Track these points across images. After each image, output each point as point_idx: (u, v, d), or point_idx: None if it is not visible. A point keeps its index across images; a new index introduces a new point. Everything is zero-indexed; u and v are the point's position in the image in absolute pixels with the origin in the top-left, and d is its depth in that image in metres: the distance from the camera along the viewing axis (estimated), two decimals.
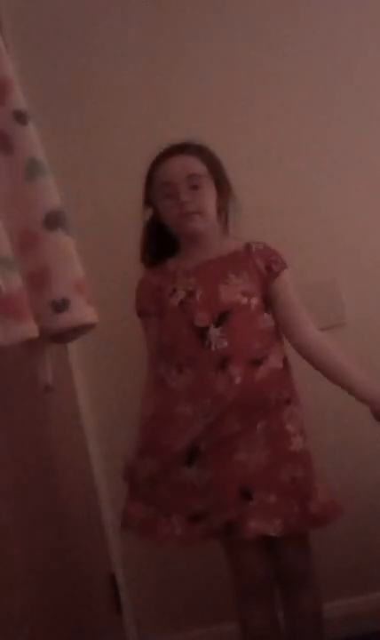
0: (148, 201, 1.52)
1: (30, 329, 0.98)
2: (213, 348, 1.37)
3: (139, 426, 1.48)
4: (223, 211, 1.53)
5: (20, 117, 1.14)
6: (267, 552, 1.41)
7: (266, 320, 1.44)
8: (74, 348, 1.74)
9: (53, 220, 1.14)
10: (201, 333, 1.39)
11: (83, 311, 1.16)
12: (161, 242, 1.54)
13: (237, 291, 1.42)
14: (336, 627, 1.62)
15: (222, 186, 1.49)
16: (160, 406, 1.44)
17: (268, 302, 1.46)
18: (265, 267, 1.46)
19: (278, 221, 1.70)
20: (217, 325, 1.39)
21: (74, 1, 1.80)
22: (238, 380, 1.36)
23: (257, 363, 1.38)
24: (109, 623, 1.63)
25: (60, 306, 1.13)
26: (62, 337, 1.20)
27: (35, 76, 1.72)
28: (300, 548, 1.41)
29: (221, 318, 1.39)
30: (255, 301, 1.43)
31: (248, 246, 1.48)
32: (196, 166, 1.45)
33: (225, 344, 1.37)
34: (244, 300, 1.42)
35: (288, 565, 1.43)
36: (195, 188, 1.44)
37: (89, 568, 1.54)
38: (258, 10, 1.79)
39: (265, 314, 1.44)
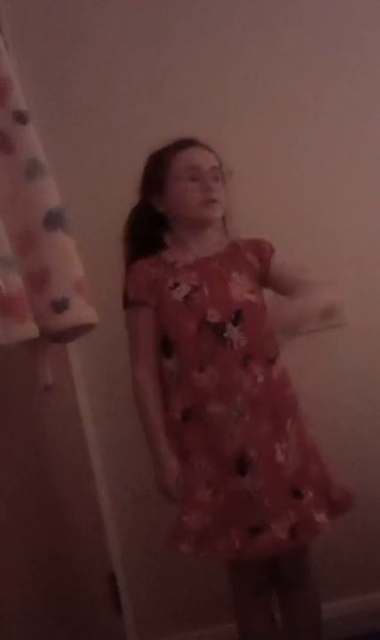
0: (150, 189, 1.49)
1: (30, 329, 0.98)
2: (235, 347, 1.36)
3: (155, 435, 1.40)
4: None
5: (20, 117, 1.14)
6: (264, 560, 1.40)
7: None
8: (74, 348, 1.74)
9: (53, 220, 1.14)
10: (217, 330, 1.37)
11: (83, 311, 1.16)
12: (152, 232, 1.51)
13: (244, 289, 1.42)
14: (336, 627, 1.62)
15: (226, 186, 1.49)
16: (187, 408, 1.38)
17: (268, 284, 1.48)
18: (257, 259, 1.47)
19: (278, 222, 1.70)
20: (234, 323, 1.38)
21: (74, 1, 1.80)
22: (261, 379, 1.36)
23: (271, 361, 1.40)
24: (109, 623, 1.63)
25: (60, 306, 1.13)
26: (62, 337, 1.20)
27: (35, 76, 1.72)
28: (299, 549, 1.39)
29: (237, 316, 1.38)
30: (260, 300, 1.44)
31: (234, 244, 1.49)
32: (216, 160, 1.46)
33: (245, 342, 1.37)
34: (253, 298, 1.42)
35: (287, 567, 1.42)
36: (216, 180, 1.44)
37: (89, 568, 1.54)
38: (259, 9, 1.80)
39: (266, 312, 1.44)
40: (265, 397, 1.36)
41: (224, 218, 1.54)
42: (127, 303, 1.47)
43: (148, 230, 1.51)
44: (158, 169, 1.47)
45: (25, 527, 1.17)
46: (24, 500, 1.19)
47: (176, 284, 1.42)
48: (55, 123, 1.73)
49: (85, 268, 1.18)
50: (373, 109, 1.80)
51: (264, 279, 1.48)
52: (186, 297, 1.40)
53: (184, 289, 1.41)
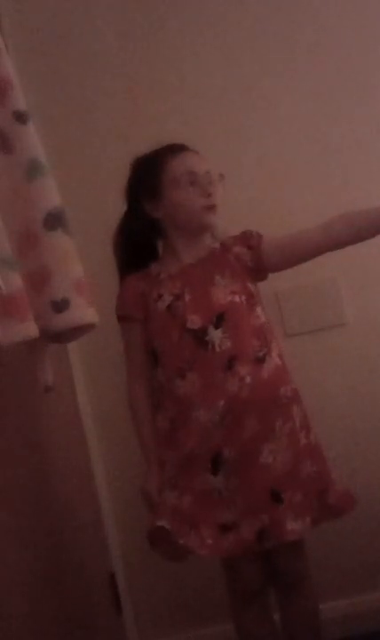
0: (143, 194, 1.45)
1: (30, 329, 0.98)
2: (217, 349, 1.35)
3: (145, 444, 1.43)
4: None
5: (20, 117, 1.14)
6: (261, 558, 1.40)
7: (259, 316, 1.42)
8: (74, 347, 1.74)
9: (53, 220, 1.14)
10: (198, 335, 1.37)
11: (83, 311, 1.16)
12: (145, 240, 1.50)
13: (227, 291, 1.40)
14: (336, 627, 1.62)
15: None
16: (173, 416, 1.39)
17: (271, 267, 1.44)
18: (246, 249, 1.44)
19: (278, 222, 1.70)
20: (216, 327, 1.37)
21: (74, 1, 1.80)
22: (248, 379, 1.34)
23: (260, 360, 1.38)
24: (109, 623, 1.63)
25: (60, 306, 1.13)
26: (62, 337, 1.20)
27: (35, 76, 1.72)
28: (295, 550, 1.39)
29: (219, 319, 1.37)
30: (245, 299, 1.41)
31: (222, 244, 1.47)
32: (207, 164, 1.44)
33: (229, 344, 1.36)
34: (237, 299, 1.40)
35: (284, 569, 1.42)
36: (212, 184, 1.42)
37: (89, 568, 1.54)
38: (263, 8, 1.80)
39: (257, 309, 1.43)
40: (254, 397, 1.35)
41: None
42: (118, 319, 1.48)
43: (141, 238, 1.49)
44: (152, 174, 1.44)
45: (25, 527, 1.17)
46: (24, 500, 1.19)
47: (160, 295, 1.42)
48: (55, 123, 1.73)
49: (85, 268, 1.18)
50: (374, 109, 1.80)
51: (259, 268, 1.44)
52: (169, 306, 1.40)
53: (166, 299, 1.41)
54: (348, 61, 1.80)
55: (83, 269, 1.17)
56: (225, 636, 1.59)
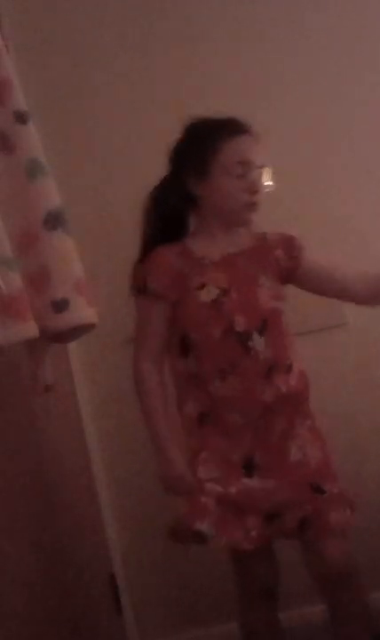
0: (190, 168, 1.36)
1: (30, 329, 0.98)
2: (260, 357, 1.31)
3: (159, 431, 1.34)
4: None
5: (20, 117, 1.14)
6: (272, 558, 1.40)
7: (286, 322, 1.39)
8: (74, 348, 1.74)
9: (53, 220, 1.14)
10: (242, 339, 1.31)
11: (82, 311, 1.16)
12: (178, 213, 1.41)
13: (271, 295, 1.37)
14: None
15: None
16: (204, 411, 1.35)
17: (297, 283, 1.43)
18: (286, 257, 1.41)
19: (278, 222, 1.70)
20: (260, 333, 1.32)
21: (74, 1, 1.80)
22: (283, 389, 1.33)
23: (289, 368, 1.36)
24: (109, 623, 1.63)
25: (60, 306, 1.13)
26: (62, 337, 1.20)
27: (35, 75, 1.72)
28: (341, 541, 1.34)
29: (263, 325, 1.33)
30: (281, 305, 1.38)
31: (263, 238, 1.42)
32: (263, 155, 1.38)
33: (269, 353, 1.32)
34: (278, 305, 1.37)
35: (330, 561, 1.33)
36: (260, 178, 1.37)
37: (89, 568, 1.54)
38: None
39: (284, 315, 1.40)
40: (284, 405, 1.34)
41: None
42: (141, 290, 1.37)
43: (175, 210, 1.40)
44: (205, 150, 1.34)
45: (25, 527, 1.17)
46: (24, 500, 1.19)
47: (203, 284, 1.34)
48: (55, 123, 1.73)
49: (85, 268, 1.18)
50: (374, 108, 1.80)
51: (288, 279, 1.42)
52: (214, 300, 1.33)
53: (212, 291, 1.33)
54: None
55: (83, 269, 1.17)
56: (225, 636, 1.59)
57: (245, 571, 1.42)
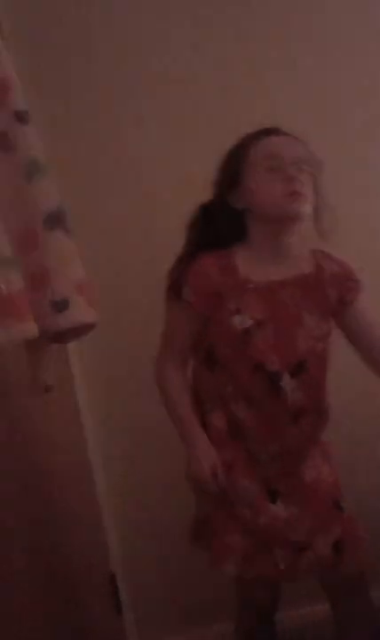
0: (227, 183, 1.30)
1: (30, 329, 0.98)
2: (289, 401, 1.26)
3: (186, 424, 1.30)
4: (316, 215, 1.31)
5: (21, 117, 1.14)
6: (277, 585, 1.40)
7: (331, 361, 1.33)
8: (74, 347, 1.74)
9: (54, 220, 1.14)
10: (272, 378, 1.25)
11: (83, 311, 1.16)
12: (225, 230, 1.31)
13: (312, 336, 1.28)
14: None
15: (320, 186, 1.30)
16: (235, 427, 1.29)
17: (338, 327, 1.34)
18: (337, 298, 1.32)
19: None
20: (292, 375, 1.26)
21: (74, 1, 1.80)
22: (308, 430, 1.30)
23: (324, 412, 1.33)
24: (109, 623, 1.63)
25: (61, 306, 1.13)
26: (62, 337, 1.20)
27: (35, 75, 1.72)
28: (363, 554, 1.30)
29: (298, 368, 1.26)
30: (326, 346, 1.31)
31: (320, 269, 1.32)
32: (304, 151, 1.27)
33: (300, 396, 1.27)
34: (319, 347, 1.29)
35: (347, 574, 1.29)
36: (301, 171, 1.24)
37: (89, 568, 1.54)
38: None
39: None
40: (307, 442, 1.32)
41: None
42: (176, 294, 1.30)
43: (225, 231, 1.31)
44: (234, 159, 1.29)
45: (24, 527, 1.17)
46: (24, 501, 1.19)
47: (238, 310, 1.25)
48: (55, 123, 1.73)
49: (85, 268, 1.18)
50: (373, 109, 1.80)
51: (333, 316, 1.34)
52: (246, 330, 1.25)
53: (246, 320, 1.25)
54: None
55: (83, 269, 1.17)
56: (225, 636, 1.59)
57: (246, 594, 1.42)
